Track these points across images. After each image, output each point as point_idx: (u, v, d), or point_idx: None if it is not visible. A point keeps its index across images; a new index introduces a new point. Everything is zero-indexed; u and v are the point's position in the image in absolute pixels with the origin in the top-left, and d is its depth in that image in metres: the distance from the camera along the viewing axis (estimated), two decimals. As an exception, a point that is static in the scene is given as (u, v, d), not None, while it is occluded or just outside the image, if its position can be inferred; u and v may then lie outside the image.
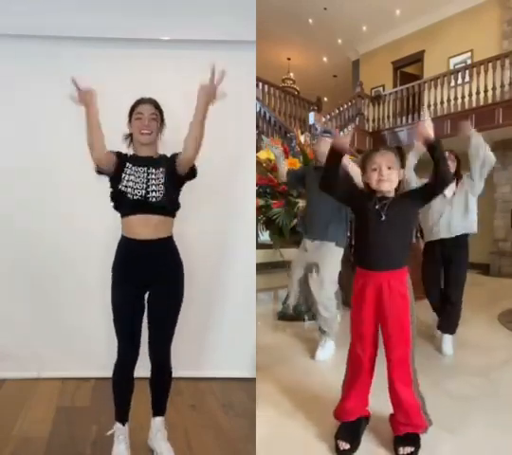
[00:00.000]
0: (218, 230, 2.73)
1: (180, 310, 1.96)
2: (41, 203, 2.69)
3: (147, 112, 1.96)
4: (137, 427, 2.01)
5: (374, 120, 8.92)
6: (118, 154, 1.98)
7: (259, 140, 4.19)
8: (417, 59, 9.64)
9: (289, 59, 11.03)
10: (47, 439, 2.07)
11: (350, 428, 1.88)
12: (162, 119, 2.02)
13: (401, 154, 1.72)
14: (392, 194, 1.75)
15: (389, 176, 1.68)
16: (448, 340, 3.10)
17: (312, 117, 7.36)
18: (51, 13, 2.51)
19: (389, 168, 1.67)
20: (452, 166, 2.88)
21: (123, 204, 1.95)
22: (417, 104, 8.18)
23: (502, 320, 3.99)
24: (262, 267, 3.90)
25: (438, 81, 7.83)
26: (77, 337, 2.75)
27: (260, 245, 3.58)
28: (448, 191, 3.04)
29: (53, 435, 2.11)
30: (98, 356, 2.71)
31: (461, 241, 3.11)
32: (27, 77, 2.63)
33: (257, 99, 6.76)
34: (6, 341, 2.68)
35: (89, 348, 2.72)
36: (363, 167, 1.74)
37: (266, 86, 7.79)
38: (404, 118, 8.35)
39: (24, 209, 2.68)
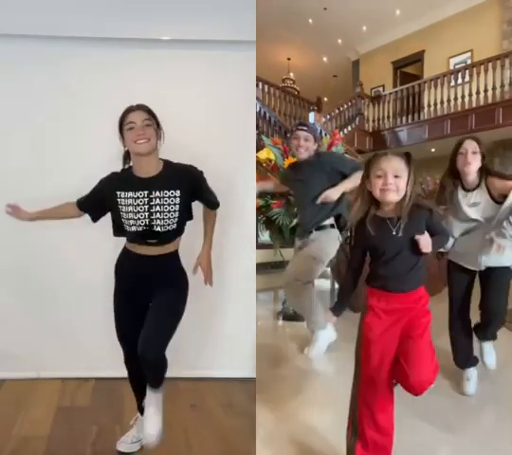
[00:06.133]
0: (218, 230, 2.72)
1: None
2: (41, 204, 2.69)
3: (139, 119, 1.75)
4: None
5: (374, 120, 8.93)
6: (97, 191, 1.85)
7: (259, 140, 4.19)
8: (417, 59, 9.65)
9: (289, 59, 11.03)
10: (47, 439, 2.07)
11: None
12: (159, 125, 1.81)
13: (410, 160, 1.50)
14: (397, 212, 1.52)
15: (395, 186, 1.47)
16: (489, 349, 2.50)
17: (312, 117, 7.36)
18: (51, 13, 2.51)
19: (396, 176, 1.47)
20: (475, 165, 2.21)
21: (124, 234, 1.86)
22: (417, 104, 8.18)
23: (502, 320, 3.96)
24: (262, 267, 3.91)
25: (438, 81, 7.84)
26: (77, 338, 2.75)
27: (260, 245, 3.58)
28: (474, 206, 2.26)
29: (53, 435, 2.11)
30: (98, 356, 2.71)
31: (499, 271, 2.30)
32: (26, 77, 2.63)
33: (257, 99, 6.76)
34: (6, 341, 2.68)
35: (89, 348, 2.72)
36: (367, 173, 1.54)
37: (266, 86, 7.79)
38: (404, 118, 8.36)
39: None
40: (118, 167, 1.91)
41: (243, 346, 2.77)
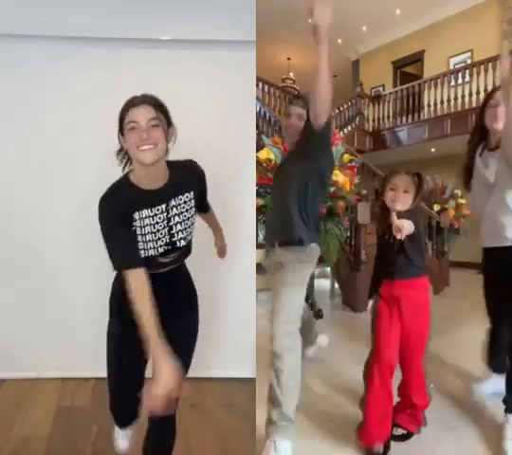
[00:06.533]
0: (218, 230, 2.73)
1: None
2: (41, 203, 2.69)
3: (143, 118, 1.33)
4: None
5: (374, 120, 8.93)
6: (122, 224, 1.38)
7: (259, 140, 4.18)
8: (417, 59, 9.64)
9: (289, 59, 11.03)
10: (47, 439, 2.07)
11: None
12: (169, 123, 1.42)
13: (420, 179, 1.83)
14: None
15: (403, 198, 1.80)
16: None
17: (312, 117, 7.35)
18: (51, 13, 2.51)
19: (405, 191, 1.80)
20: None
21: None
22: (417, 104, 8.19)
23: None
24: (262, 267, 3.90)
25: (438, 80, 7.84)
26: (77, 337, 2.75)
27: (260, 246, 3.57)
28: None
29: (53, 435, 2.11)
30: (98, 356, 2.71)
31: None
32: (26, 77, 2.63)
33: (257, 98, 6.76)
34: (6, 341, 2.68)
35: (89, 348, 2.71)
36: (383, 186, 1.86)
37: (266, 86, 7.79)
38: (404, 118, 8.36)
39: (23, 209, 2.68)
40: (117, 168, 1.57)
41: (243, 346, 2.77)
